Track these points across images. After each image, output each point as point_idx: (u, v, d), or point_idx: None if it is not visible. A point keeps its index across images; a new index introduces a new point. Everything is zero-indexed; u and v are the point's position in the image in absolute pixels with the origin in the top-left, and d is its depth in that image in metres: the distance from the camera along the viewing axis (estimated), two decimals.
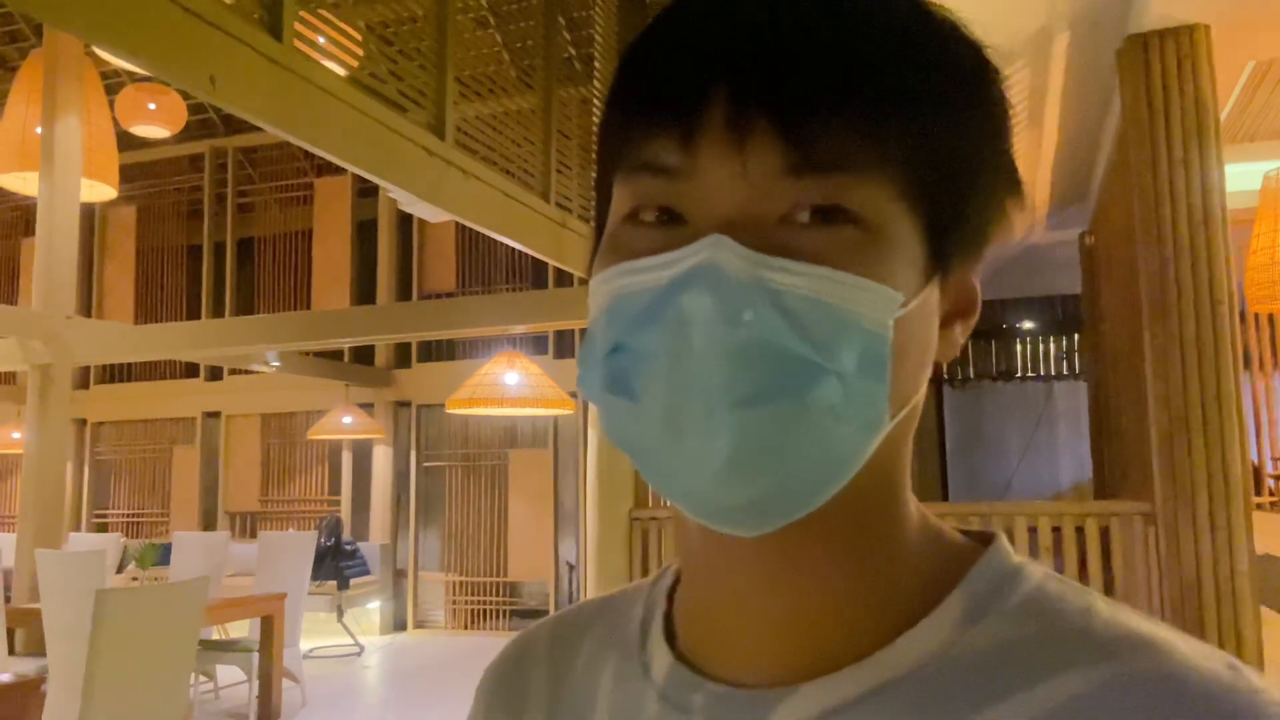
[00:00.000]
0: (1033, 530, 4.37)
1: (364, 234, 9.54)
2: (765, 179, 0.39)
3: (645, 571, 5.03)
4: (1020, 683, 0.39)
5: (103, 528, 9.84)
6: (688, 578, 0.49)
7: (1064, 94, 5.30)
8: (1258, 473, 6.59)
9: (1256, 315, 7.09)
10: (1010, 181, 0.46)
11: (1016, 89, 5.10)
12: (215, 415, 9.87)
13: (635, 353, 0.40)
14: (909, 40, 0.41)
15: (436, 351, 9.30)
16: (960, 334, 0.46)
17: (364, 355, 9.37)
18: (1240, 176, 5.21)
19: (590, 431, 5.57)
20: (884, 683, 0.41)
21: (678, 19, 0.42)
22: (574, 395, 7.23)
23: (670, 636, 0.49)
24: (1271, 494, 6.06)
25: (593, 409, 4.22)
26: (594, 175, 0.49)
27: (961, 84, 0.43)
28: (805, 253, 0.39)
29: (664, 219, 0.41)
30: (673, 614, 0.50)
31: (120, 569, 6.61)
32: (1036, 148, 6.12)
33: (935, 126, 0.41)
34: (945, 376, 9.28)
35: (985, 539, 0.46)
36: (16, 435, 7.87)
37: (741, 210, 0.39)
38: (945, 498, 8.71)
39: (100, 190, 6.39)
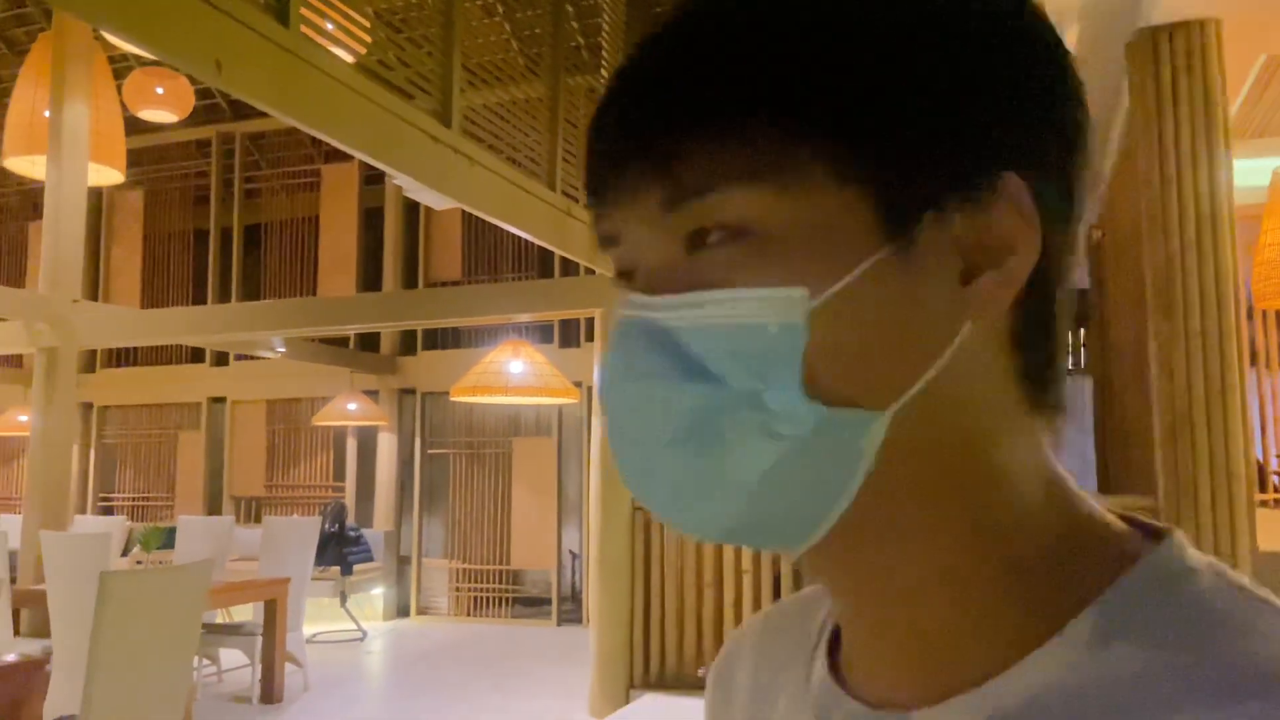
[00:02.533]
0: None
1: (370, 221, 9.54)
2: (654, 224, 0.40)
3: (647, 563, 5.04)
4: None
5: (108, 511, 9.88)
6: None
7: None
8: (1262, 470, 6.57)
9: (1264, 312, 7.06)
10: (994, 71, 0.39)
11: None
12: (221, 400, 9.90)
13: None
14: (750, 25, 0.39)
15: (442, 339, 9.31)
16: (994, 285, 0.38)
17: (369, 342, 9.38)
18: (1250, 172, 5.19)
19: (594, 421, 5.57)
20: (991, 717, 0.37)
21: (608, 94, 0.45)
22: (578, 384, 7.23)
23: (837, 646, 0.48)
24: (1276, 491, 6.05)
25: (596, 399, 4.22)
26: None
27: (836, 20, 0.38)
28: (700, 281, 0.38)
29: (625, 283, 0.44)
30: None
31: (125, 552, 6.64)
32: None
33: (809, 87, 0.37)
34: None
35: (1159, 534, 0.40)
36: (22, 418, 7.91)
37: (651, 259, 0.41)
38: None
39: (107, 174, 6.40)
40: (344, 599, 8.02)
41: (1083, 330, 8.69)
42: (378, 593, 8.84)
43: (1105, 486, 7.05)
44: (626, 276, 0.43)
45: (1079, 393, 8.51)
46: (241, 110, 9.43)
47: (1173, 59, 4.03)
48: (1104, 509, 0.41)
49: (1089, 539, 0.40)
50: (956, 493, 0.39)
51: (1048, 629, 0.37)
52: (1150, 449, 4.16)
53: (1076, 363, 8.92)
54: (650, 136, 0.40)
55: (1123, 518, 0.41)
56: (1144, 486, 4.48)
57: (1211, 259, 3.91)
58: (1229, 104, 4.24)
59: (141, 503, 10.16)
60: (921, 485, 0.39)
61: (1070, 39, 4.68)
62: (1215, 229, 3.91)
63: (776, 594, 4.70)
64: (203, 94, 8.45)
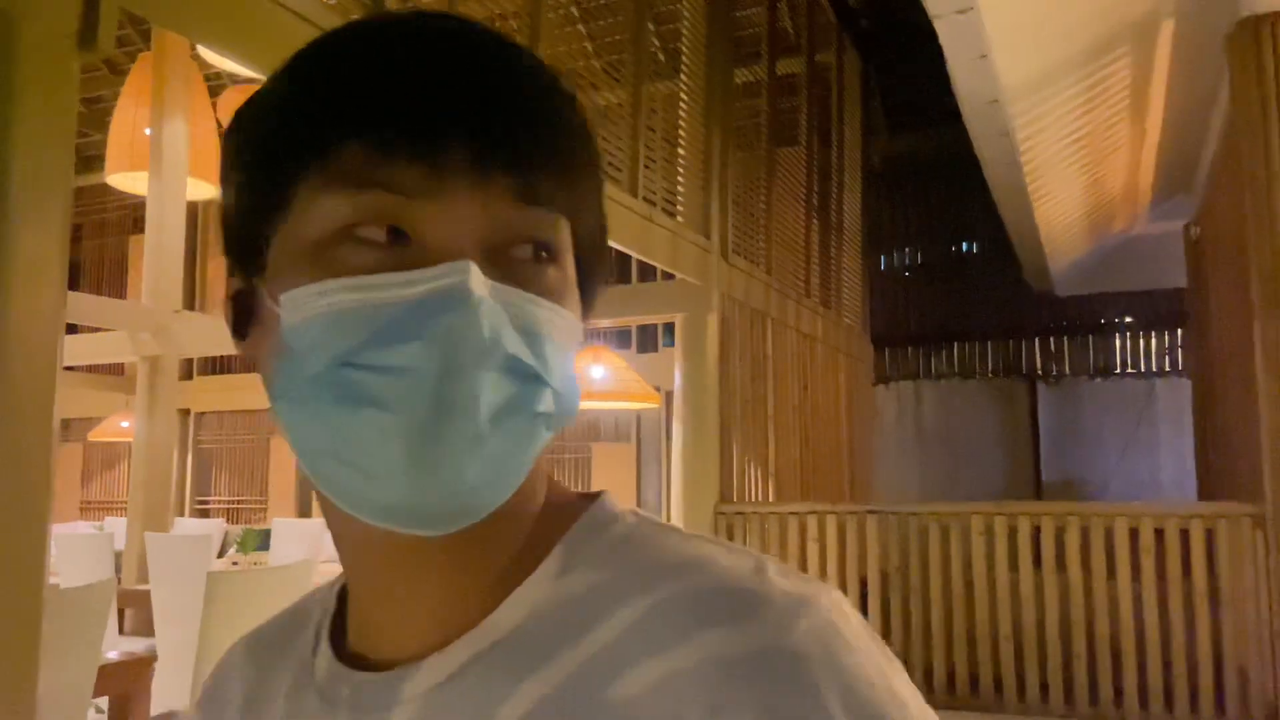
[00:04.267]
0: (1134, 532, 4.23)
1: None
2: (502, 209, 0.43)
3: None
4: (594, 622, 0.43)
5: (204, 514, 10.24)
6: (353, 577, 0.50)
7: (1169, 82, 5.11)
8: None
9: None
10: (604, 243, 0.52)
11: (1118, 79, 4.93)
12: None
13: (384, 368, 0.41)
14: (573, 109, 0.48)
15: None
16: None
17: None
18: None
19: (675, 425, 5.58)
20: (490, 645, 0.45)
21: (400, 42, 0.45)
22: (658, 389, 7.25)
23: (340, 638, 0.51)
24: None
25: (678, 404, 4.18)
26: (252, 168, 0.48)
27: (594, 152, 0.49)
28: (527, 284, 0.44)
29: (390, 239, 0.43)
30: (346, 616, 0.52)
31: (221, 554, 6.86)
32: (1140, 138, 5.90)
33: (591, 186, 0.48)
34: (1040, 373, 9.02)
35: (594, 496, 0.50)
36: (125, 424, 8.24)
37: (480, 238, 0.43)
38: (1038, 497, 8.47)
39: (205, 189, 6.64)
40: None
41: (1180, 331, 8.39)
42: None
43: (1205, 492, 6.78)
44: (393, 233, 0.43)
45: (1176, 394, 8.21)
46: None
47: (1276, 49, 3.87)
48: (568, 489, 0.52)
49: (554, 507, 0.50)
50: (539, 473, 0.49)
51: (527, 573, 0.46)
52: (1256, 455, 4.00)
53: (1175, 364, 8.61)
54: (543, 130, 0.45)
55: (580, 495, 0.51)
56: (1248, 493, 4.30)
57: None
58: None
59: (236, 505, 10.50)
60: (536, 467, 0.47)
61: (1166, 33, 4.54)
62: None
63: (863, 602, 4.64)
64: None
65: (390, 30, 0.46)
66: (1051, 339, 8.99)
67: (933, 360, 9.49)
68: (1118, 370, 8.78)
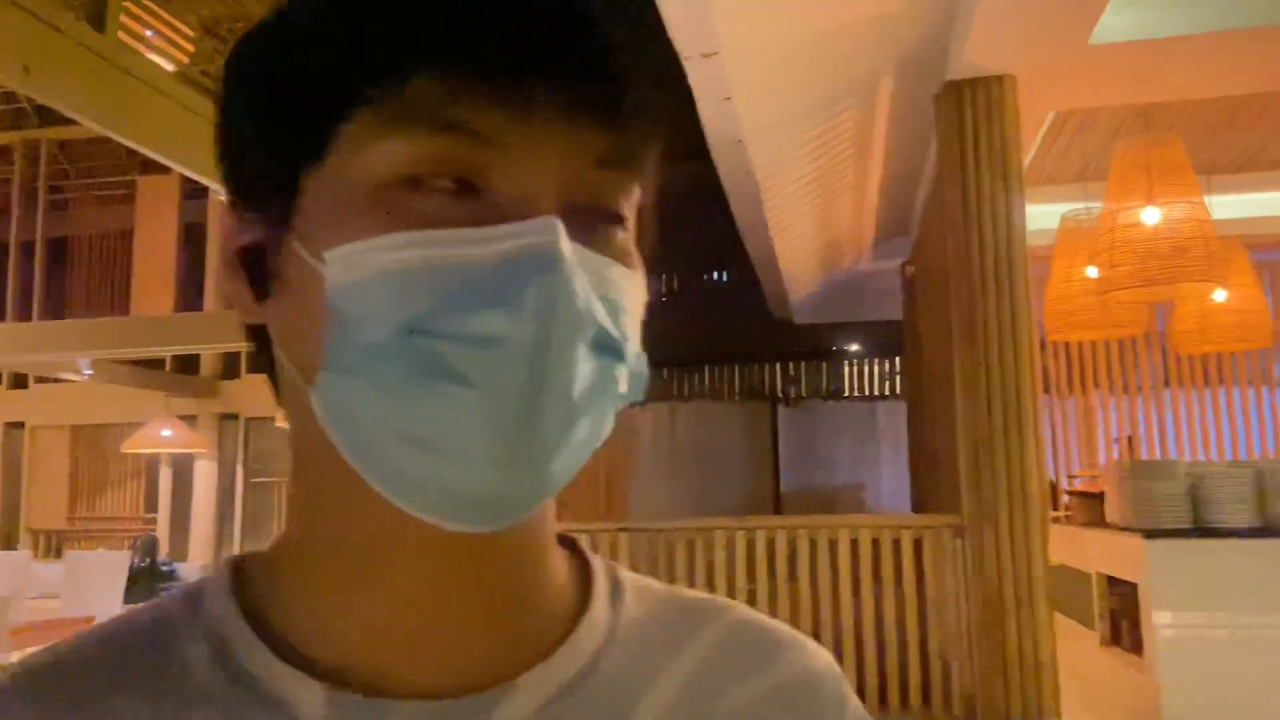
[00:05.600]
0: (854, 543, 4.60)
1: (192, 237, 9.07)
2: (585, 167, 0.39)
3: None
4: (674, 645, 0.47)
5: None
6: (345, 582, 0.42)
7: (889, 133, 5.65)
8: (1054, 489, 7.16)
9: (1055, 343, 7.72)
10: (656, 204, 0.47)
11: (845, 128, 5.40)
12: (19, 426, 9.13)
13: (464, 337, 0.36)
14: (665, 45, 0.46)
15: None
16: None
17: (188, 365, 8.89)
18: (1042, 216, 5.68)
19: None
20: (583, 668, 0.44)
21: None
22: None
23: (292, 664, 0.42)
24: (1066, 509, 6.60)
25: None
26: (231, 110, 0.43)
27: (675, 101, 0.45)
28: (601, 247, 0.39)
29: (457, 188, 0.38)
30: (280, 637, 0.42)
31: None
32: (863, 181, 6.48)
33: (663, 141, 0.43)
34: (780, 396, 9.64)
35: (564, 538, 0.50)
36: None
37: (560, 194, 0.38)
38: (778, 511, 9.03)
39: None
40: None
41: (898, 359, 9.25)
42: None
43: (918, 505, 7.50)
44: (460, 183, 0.38)
45: (895, 416, 9.05)
46: (49, 115, 8.80)
47: (974, 111, 4.38)
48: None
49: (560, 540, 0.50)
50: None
51: (581, 597, 0.47)
52: (956, 470, 4.47)
53: (894, 389, 9.48)
54: (641, 82, 0.40)
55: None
56: (950, 505, 4.80)
57: (1008, 295, 4.25)
58: (1023, 153, 4.65)
59: None
60: None
61: (885, 89, 5.02)
62: (1011, 268, 4.27)
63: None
64: (6, 98, 7.84)
65: None
66: (791, 364, 9.65)
67: (686, 383, 9.91)
68: (846, 394, 9.55)
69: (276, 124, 0.40)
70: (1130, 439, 7.88)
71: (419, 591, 0.41)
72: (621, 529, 4.88)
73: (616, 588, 0.49)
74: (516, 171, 0.38)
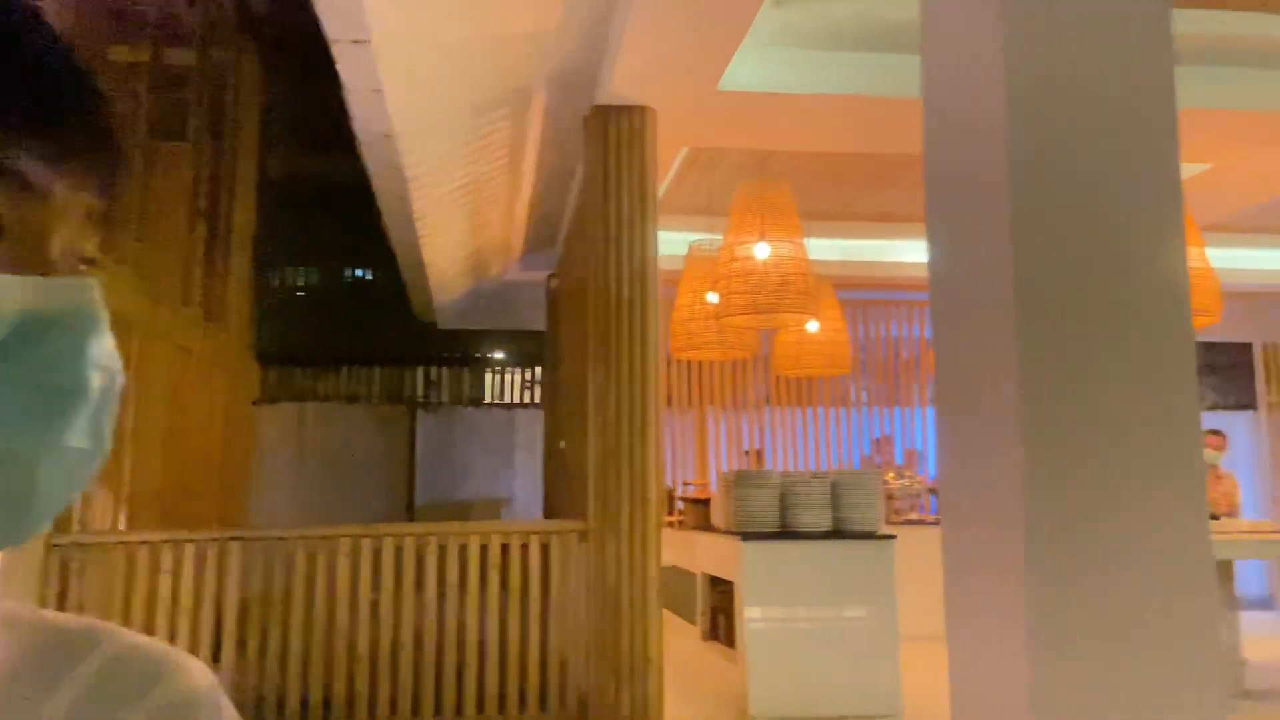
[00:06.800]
0: (484, 549, 4.63)
1: None
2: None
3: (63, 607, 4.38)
4: (50, 682, 0.47)
5: None
6: None
7: (542, 147, 5.79)
8: (671, 496, 7.73)
9: (678, 361, 8.36)
10: None
11: (499, 137, 5.46)
12: None
13: None
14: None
15: None
16: None
17: None
18: (673, 244, 6.12)
19: None
20: None
21: None
22: None
23: None
24: (680, 515, 7.14)
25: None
26: None
27: None
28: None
29: None
30: None
31: None
32: (515, 192, 6.59)
33: None
34: (421, 400, 9.49)
35: None
36: None
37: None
38: (411, 519, 8.88)
39: None
40: None
41: (538, 369, 9.50)
42: None
43: (550, 510, 7.73)
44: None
45: (532, 424, 9.27)
46: None
47: (619, 136, 4.62)
48: None
49: None
50: None
51: None
52: (585, 478, 4.66)
53: (533, 397, 9.71)
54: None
55: None
56: (579, 511, 5.00)
57: (640, 314, 4.52)
58: (659, 183, 4.97)
59: None
60: None
61: (538, 105, 5.14)
62: (644, 289, 4.54)
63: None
64: None
65: None
66: (433, 369, 9.55)
67: (320, 382, 9.45)
68: (488, 400, 9.63)
69: None
70: (759, 452, 8.72)
71: None
72: (234, 538, 4.52)
73: None
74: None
